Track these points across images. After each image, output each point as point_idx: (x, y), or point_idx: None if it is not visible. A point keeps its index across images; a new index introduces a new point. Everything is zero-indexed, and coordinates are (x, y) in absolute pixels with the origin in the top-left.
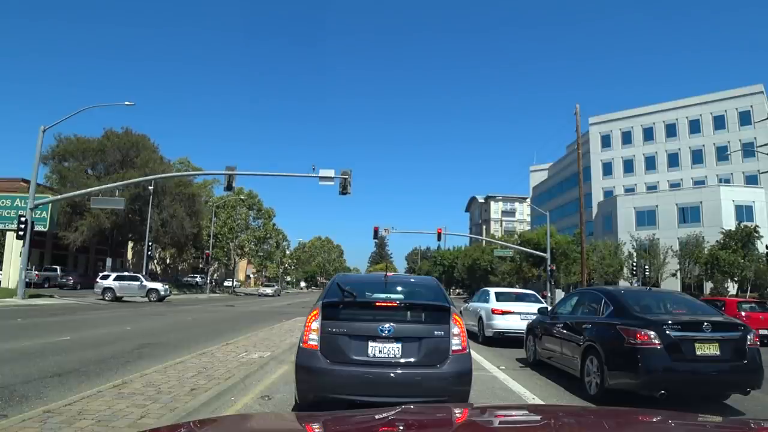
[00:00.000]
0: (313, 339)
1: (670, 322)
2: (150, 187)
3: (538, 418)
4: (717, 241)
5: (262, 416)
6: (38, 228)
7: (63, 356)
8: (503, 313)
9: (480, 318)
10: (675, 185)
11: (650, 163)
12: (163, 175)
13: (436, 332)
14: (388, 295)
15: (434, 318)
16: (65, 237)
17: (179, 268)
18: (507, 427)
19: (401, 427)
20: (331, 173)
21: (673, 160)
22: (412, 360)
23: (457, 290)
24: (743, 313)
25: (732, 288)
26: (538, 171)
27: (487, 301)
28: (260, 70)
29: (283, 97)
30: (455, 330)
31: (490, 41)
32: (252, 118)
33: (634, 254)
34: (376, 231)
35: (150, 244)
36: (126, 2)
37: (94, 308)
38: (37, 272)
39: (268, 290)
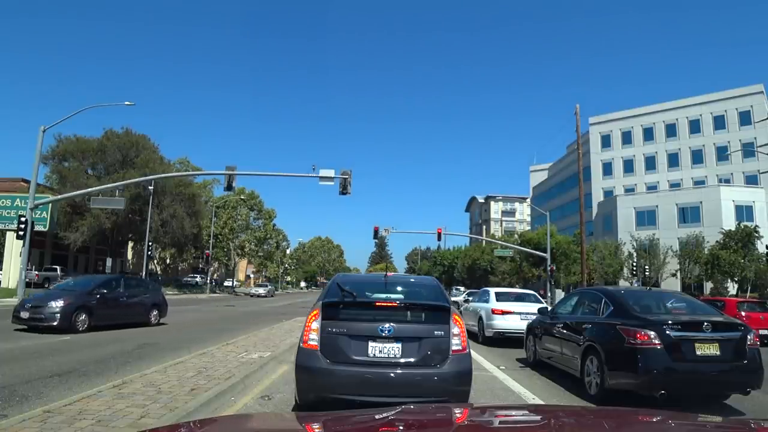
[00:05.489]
0: (313, 339)
1: (670, 322)
2: (150, 187)
3: (538, 418)
4: (717, 241)
5: (262, 416)
6: (38, 228)
7: (63, 356)
8: (503, 313)
9: (480, 318)
10: (675, 185)
11: (650, 163)
12: (163, 175)
13: (436, 332)
14: (388, 295)
15: (434, 318)
16: (65, 237)
17: (179, 268)
18: (507, 427)
19: (401, 427)
20: (331, 173)
21: (673, 160)
22: (412, 360)
23: None
24: (743, 313)
25: (732, 288)
26: (538, 171)
27: (487, 301)
28: (260, 70)
29: (284, 97)
30: (455, 330)
31: (490, 40)
32: (252, 118)
33: (634, 254)
34: (376, 231)
35: (150, 244)
36: (126, 1)
37: None
38: (37, 272)
39: (261, 290)
